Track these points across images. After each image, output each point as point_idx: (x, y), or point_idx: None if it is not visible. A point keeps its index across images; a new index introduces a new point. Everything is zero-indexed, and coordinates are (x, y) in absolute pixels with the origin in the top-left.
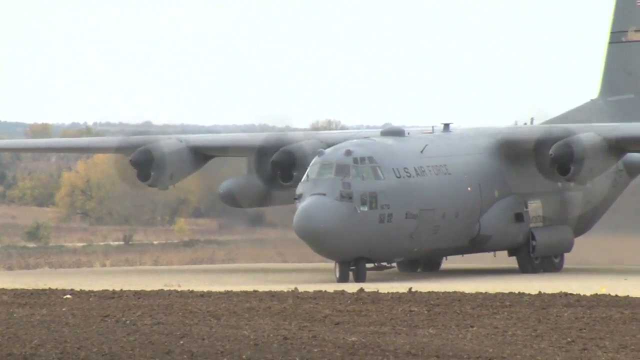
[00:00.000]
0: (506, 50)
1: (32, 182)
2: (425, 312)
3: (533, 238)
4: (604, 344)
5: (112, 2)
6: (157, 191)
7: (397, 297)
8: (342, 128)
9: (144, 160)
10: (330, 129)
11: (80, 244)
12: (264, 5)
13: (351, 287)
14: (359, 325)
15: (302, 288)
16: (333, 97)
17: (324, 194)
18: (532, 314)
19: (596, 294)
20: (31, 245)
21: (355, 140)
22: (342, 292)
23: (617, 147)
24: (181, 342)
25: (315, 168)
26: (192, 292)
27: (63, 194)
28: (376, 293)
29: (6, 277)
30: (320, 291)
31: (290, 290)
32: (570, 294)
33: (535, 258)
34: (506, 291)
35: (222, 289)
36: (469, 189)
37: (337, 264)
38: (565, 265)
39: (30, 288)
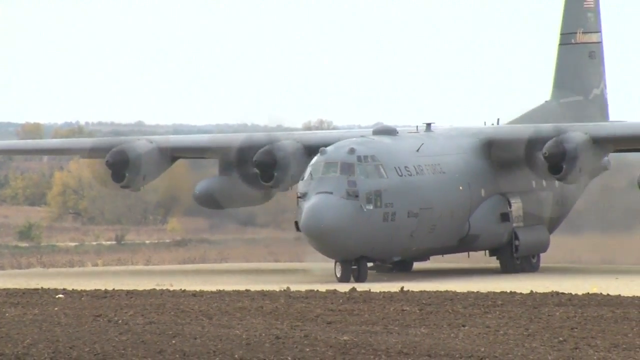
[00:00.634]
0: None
1: (24, 181)
2: (417, 311)
3: (516, 238)
4: (596, 343)
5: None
6: (149, 191)
7: (389, 297)
8: (334, 128)
9: (119, 161)
10: (322, 129)
11: (73, 244)
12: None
13: (343, 287)
14: (351, 324)
15: (294, 287)
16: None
17: (331, 193)
18: (524, 313)
19: (588, 293)
20: (23, 244)
21: (354, 138)
22: (334, 292)
23: (603, 145)
24: (173, 341)
25: (319, 166)
26: (184, 291)
27: (55, 194)
28: (368, 292)
29: None
30: (312, 290)
31: (282, 289)
32: (562, 293)
33: (516, 258)
34: (498, 290)
35: (214, 288)
36: (460, 188)
37: (338, 263)
38: (556, 265)
39: (23, 288)
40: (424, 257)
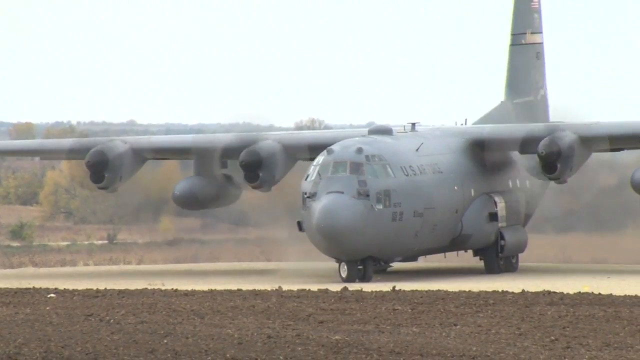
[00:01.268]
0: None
1: (15, 181)
2: (409, 310)
3: (502, 238)
4: (587, 342)
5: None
6: (141, 191)
7: (380, 296)
8: (326, 127)
9: (99, 162)
10: (313, 128)
11: (64, 243)
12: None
13: (335, 286)
14: (343, 323)
15: (286, 287)
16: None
17: (342, 192)
18: (516, 312)
19: (579, 292)
20: (15, 244)
21: (356, 138)
22: (326, 291)
23: (589, 145)
24: (165, 341)
25: (327, 166)
26: (176, 291)
27: (47, 193)
28: (360, 292)
29: None
30: (304, 290)
31: (274, 289)
32: (554, 293)
33: (500, 258)
34: (489, 290)
35: (205, 287)
36: (455, 187)
37: (343, 264)
38: (546, 264)
39: (14, 287)
40: (415, 257)
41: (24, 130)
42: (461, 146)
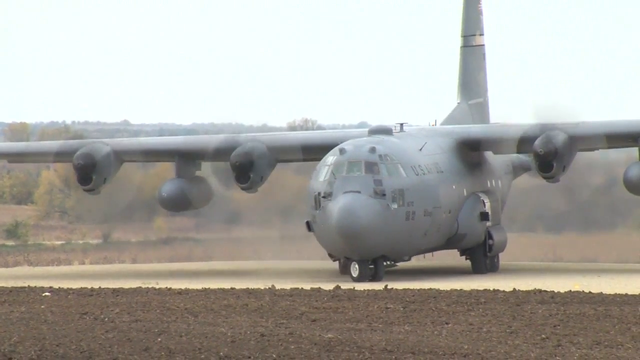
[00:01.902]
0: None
1: (10, 180)
2: (401, 309)
3: (490, 237)
4: (578, 340)
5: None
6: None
7: (373, 294)
8: (318, 127)
9: (88, 164)
10: (306, 128)
11: (59, 242)
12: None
13: (328, 285)
14: (336, 322)
15: (279, 285)
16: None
17: (359, 192)
18: (507, 310)
19: (570, 290)
20: (10, 243)
21: (364, 138)
22: (319, 290)
23: (576, 144)
24: (159, 339)
25: (341, 165)
26: (169, 289)
27: (42, 192)
28: (352, 290)
29: None
30: (296, 288)
31: (267, 287)
32: (545, 291)
33: (487, 258)
34: (481, 288)
35: (199, 286)
36: (454, 187)
37: (354, 263)
38: (536, 263)
39: (9, 286)
40: (411, 255)
41: (19, 130)
42: (451, 146)
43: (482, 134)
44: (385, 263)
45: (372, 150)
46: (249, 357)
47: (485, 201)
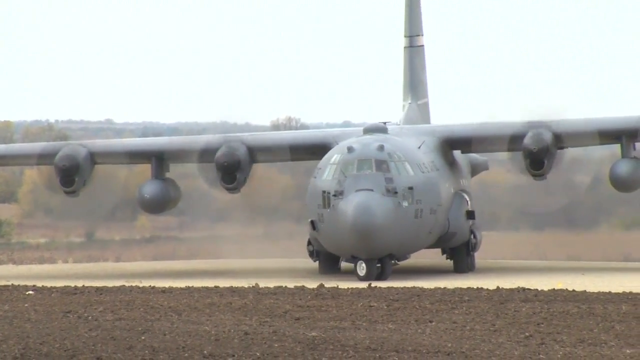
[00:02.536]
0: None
1: None
2: (385, 307)
3: (474, 236)
4: (562, 338)
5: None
6: (119, 188)
7: (356, 293)
8: (302, 125)
9: (73, 166)
10: (290, 126)
11: (43, 240)
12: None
13: (312, 283)
14: (319, 320)
15: (262, 284)
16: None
17: (371, 190)
18: (491, 308)
19: (554, 289)
20: None
21: (367, 136)
22: (303, 288)
23: (560, 142)
24: (143, 337)
25: (351, 164)
26: (153, 287)
27: (25, 191)
28: (336, 289)
29: None
30: (280, 287)
31: (250, 285)
32: (528, 289)
33: (469, 256)
34: (464, 286)
35: (183, 285)
36: (447, 185)
37: (361, 262)
38: (520, 261)
39: None
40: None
41: (3, 128)
42: (436, 144)
43: (473, 133)
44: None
45: (381, 148)
46: (233, 356)
47: (467, 199)
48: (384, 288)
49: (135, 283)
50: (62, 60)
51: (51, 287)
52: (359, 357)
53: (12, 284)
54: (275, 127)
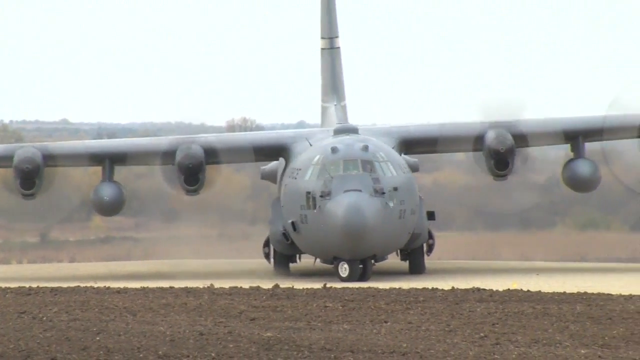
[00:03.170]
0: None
1: None
2: (340, 307)
3: (431, 237)
4: (516, 338)
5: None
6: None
7: (311, 293)
8: (257, 126)
9: (34, 169)
10: (245, 127)
11: None
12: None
13: (266, 284)
14: (274, 320)
15: (217, 284)
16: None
17: (360, 190)
18: (446, 309)
19: (508, 289)
20: None
21: (345, 137)
22: (258, 288)
23: (524, 143)
24: (97, 338)
25: (337, 164)
26: (108, 288)
27: None
28: (291, 289)
29: None
30: (235, 287)
31: (205, 286)
32: (483, 290)
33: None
34: (420, 287)
35: (138, 285)
36: (415, 185)
37: (343, 263)
38: (474, 261)
39: None
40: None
41: None
42: (394, 146)
43: (439, 133)
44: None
45: (365, 148)
46: (188, 356)
47: (424, 201)
48: (339, 288)
49: (89, 284)
50: (15, 59)
51: (5, 287)
52: (314, 358)
53: None
54: (231, 127)
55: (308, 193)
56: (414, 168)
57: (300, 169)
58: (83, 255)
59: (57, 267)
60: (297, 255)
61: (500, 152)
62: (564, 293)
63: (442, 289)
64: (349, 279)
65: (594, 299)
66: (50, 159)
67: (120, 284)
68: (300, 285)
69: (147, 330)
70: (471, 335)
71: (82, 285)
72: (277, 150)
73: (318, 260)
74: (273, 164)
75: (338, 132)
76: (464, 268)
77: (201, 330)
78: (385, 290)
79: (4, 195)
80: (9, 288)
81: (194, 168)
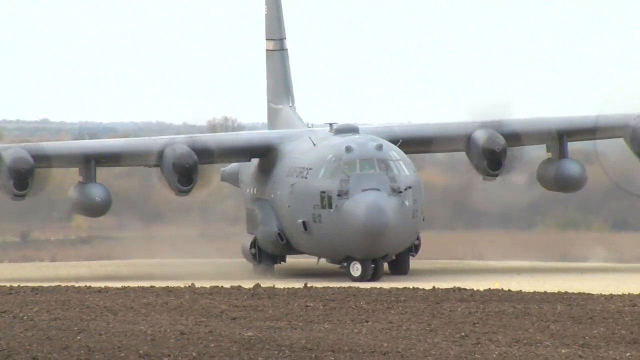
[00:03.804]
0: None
1: None
2: (321, 307)
3: (417, 237)
4: (497, 338)
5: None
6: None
7: (293, 293)
8: (239, 125)
9: (30, 169)
10: (227, 126)
11: None
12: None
13: (248, 283)
14: (255, 320)
15: (198, 284)
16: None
17: (378, 189)
18: (426, 308)
19: (489, 289)
20: None
21: (356, 136)
22: (239, 288)
23: (518, 142)
24: (78, 337)
25: (352, 164)
26: (89, 287)
27: None
28: (272, 288)
29: None
30: (216, 287)
31: (187, 285)
32: (464, 289)
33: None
34: (400, 287)
35: (119, 284)
36: None
37: (355, 262)
38: (455, 261)
39: None
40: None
41: None
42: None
43: (433, 133)
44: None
45: (379, 147)
46: (169, 356)
47: None
48: (320, 288)
49: (71, 283)
50: None
51: None
52: (295, 357)
53: None
54: (212, 127)
55: (322, 192)
56: None
57: (311, 168)
58: (64, 255)
59: (38, 267)
60: (284, 256)
61: (496, 152)
62: (545, 293)
63: (423, 289)
64: (361, 278)
65: (574, 299)
66: (42, 159)
67: (101, 284)
68: (281, 284)
69: (128, 329)
70: (452, 334)
71: (63, 284)
72: (265, 150)
73: (322, 259)
74: (233, 166)
75: (339, 131)
76: (445, 268)
77: (182, 329)
78: (367, 289)
79: None
80: None
81: (191, 168)
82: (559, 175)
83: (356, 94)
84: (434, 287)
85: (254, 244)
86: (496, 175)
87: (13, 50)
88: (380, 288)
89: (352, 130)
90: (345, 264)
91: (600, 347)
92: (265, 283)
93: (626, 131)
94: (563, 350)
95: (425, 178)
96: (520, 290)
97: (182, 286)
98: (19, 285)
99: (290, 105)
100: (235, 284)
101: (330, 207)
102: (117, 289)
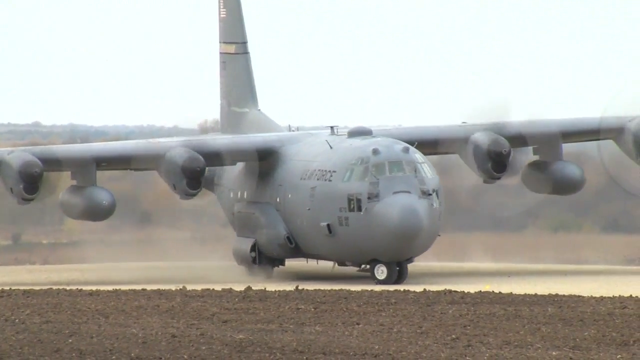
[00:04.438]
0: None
1: None
2: (312, 309)
3: None
4: (488, 340)
5: None
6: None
7: (284, 295)
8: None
9: (40, 173)
10: (217, 129)
11: None
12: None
13: (239, 286)
14: (247, 323)
15: (190, 286)
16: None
17: (409, 192)
18: (417, 311)
19: (480, 291)
20: None
21: (377, 138)
22: (230, 291)
23: (523, 144)
24: (70, 340)
25: (381, 166)
26: (80, 290)
27: None
28: (263, 291)
29: None
30: (208, 289)
31: (178, 288)
32: (455, 291)
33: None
34: (391, 289)
35: (110, 287)
36: None
37: (380, 265)
38: (446, 263)
39: None
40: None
41: None
42: None
43: (440, 135)
44: (362, 266)
45: (406, 150)
46: (160, 358)
47: None
48: (311, 290)
49: (62, 286)
50: None
51: None
52: None
53: None
54: (204, 130)
55: (351, 195)
56: None
57: (334, 171)
58: (55, 258)
59: (30, 270)
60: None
61: (503, 154)
62: (536, 295)
63: (414, 291)
64: (386, 281)
65: (565, 301)
66: (52, 163)
67: (93, 287)
68: (272, 287)
69: (119, 332)
70: (443, 337)
71: (54, 287)
72: (267, 153)
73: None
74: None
75: (353, 134)
76: (436, 270)
77: (173, 332)
78: (357, 292)
79: None
80: None
81: (202, 171)
82: (558, 178)
83: (315, 97)
84: (424, 289)
85: (254, 247)
86: (499, 178)
87: (4, 54)
88: (372, 291)
89: (366, 133)
90: (365, 266)
91: (591, 349)
92: (257, 286)
93: (622, 133)
94: (554, 353)
95: None
96: (511, 293)
97: (174, 289)
98: (10, 288)
99: (259, 109)
100: (227, 286)
101: (360, 209)
102: (109, 292)
